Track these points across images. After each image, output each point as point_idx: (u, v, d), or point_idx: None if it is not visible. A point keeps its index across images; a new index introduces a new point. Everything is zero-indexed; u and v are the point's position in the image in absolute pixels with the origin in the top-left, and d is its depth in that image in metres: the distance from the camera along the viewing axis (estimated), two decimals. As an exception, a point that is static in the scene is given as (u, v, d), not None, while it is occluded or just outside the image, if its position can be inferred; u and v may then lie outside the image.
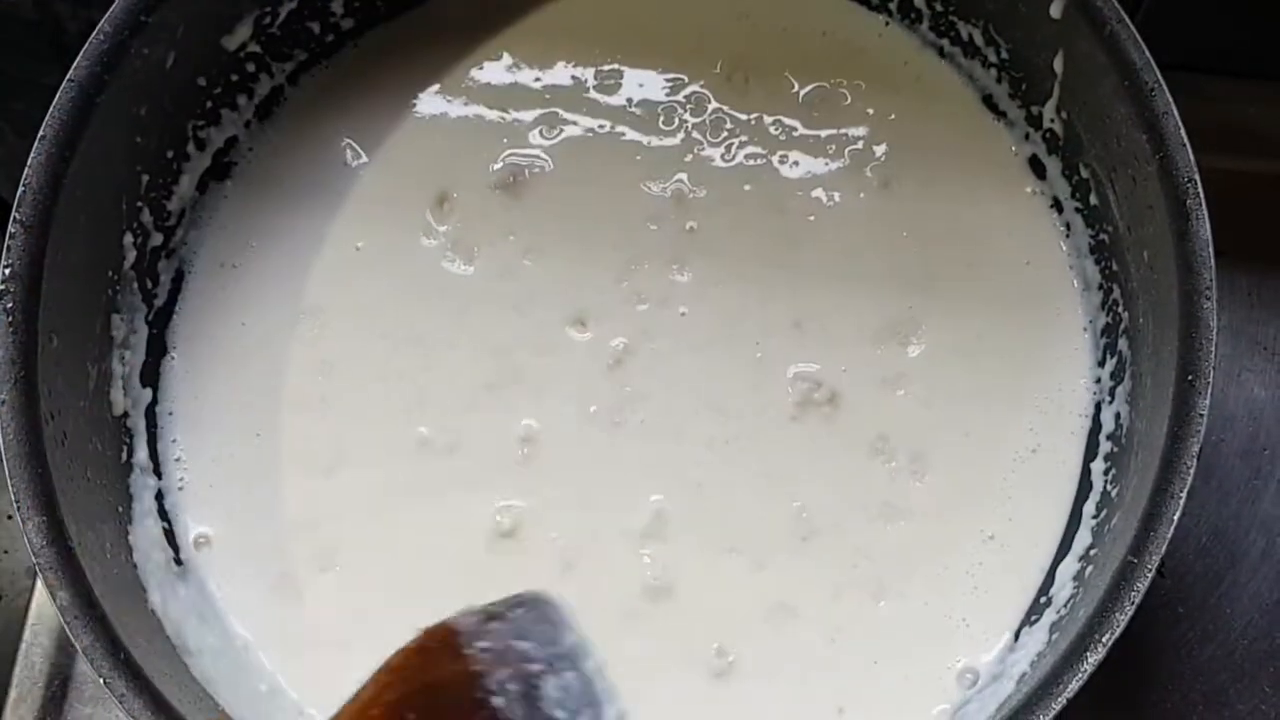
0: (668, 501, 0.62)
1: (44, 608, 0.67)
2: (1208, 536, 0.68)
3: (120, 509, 0.59)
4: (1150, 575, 0.50)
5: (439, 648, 0.51)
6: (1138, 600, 0.49)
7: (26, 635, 0.66)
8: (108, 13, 0.57)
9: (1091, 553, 0.58)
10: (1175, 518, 0.50)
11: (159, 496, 0.61)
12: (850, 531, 0.61)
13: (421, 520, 0.62)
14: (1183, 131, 0.55)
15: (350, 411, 0.63)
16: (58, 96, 0.56)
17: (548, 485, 0.62)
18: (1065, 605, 0.57)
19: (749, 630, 0.60)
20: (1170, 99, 0.55)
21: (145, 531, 0.60)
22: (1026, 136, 0.66)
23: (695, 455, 0.62)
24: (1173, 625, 0.67)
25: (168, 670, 0.54)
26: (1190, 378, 0.52)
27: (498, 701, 0.50)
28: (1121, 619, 0.49)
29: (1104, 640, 0.49)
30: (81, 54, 0.56)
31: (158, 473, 0.62)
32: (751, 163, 0.67)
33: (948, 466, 0.62)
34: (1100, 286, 0.63)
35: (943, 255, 0.65)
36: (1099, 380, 0.62)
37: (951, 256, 0.65)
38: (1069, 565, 0.59)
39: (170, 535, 0.61)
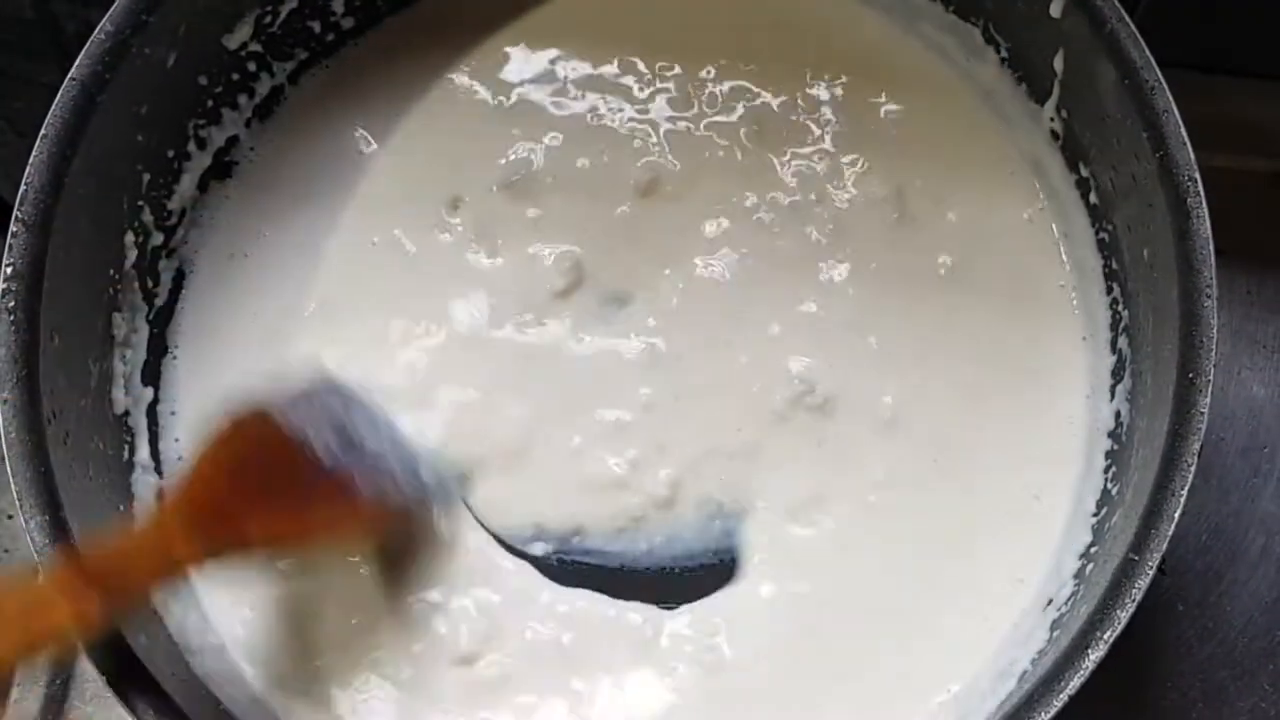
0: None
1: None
2: (1207, 534, 0.68)
3: (122, 508, 0.59)
4: (1151, 572, 0.50)
5: (252, 421, 0.56)
6: (1139, 597, 0.49)
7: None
8: (110, 11, 0.57)
9: (1092, 550, 0.58)
10: (1176, 515, 0.50)
11: (160, 495, 0.61)
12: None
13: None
14: (1183, 129, 0.55)
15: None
16: (59, 95, 0.56)
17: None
18: (1066, 603, 0.57)
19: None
20: (1170, 97, 0.55)
21: (147, 530, 0.60)
22: (1026, 135, 0.66)
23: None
24: (1172, 623, 0.67)
25: (169, 669, 0.53)
26: (1191, 375, 0.52)
27: (315, 453, 0.56)
28: (1123, 616, 0.49)
29: (1105, 638, 0.49)
30: (83, 52, 0.56)
31: (159, 471, 0.62)
32: (748, 160, 0.67)
33: (948, 465, 0.62)
34: (1101, 285, 0.63)
35: (942, 253, 0.65)
36: (1100, 378, 0.62)
37: (950, 254, 0.65)
38: (1070, 564, 0.59)
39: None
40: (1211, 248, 0.53)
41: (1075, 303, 0.64)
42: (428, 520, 0.62)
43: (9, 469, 0.52)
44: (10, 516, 0.73)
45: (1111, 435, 0.61)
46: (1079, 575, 0.58)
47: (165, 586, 0.53)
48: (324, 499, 0.56)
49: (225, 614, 0.61)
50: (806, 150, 0.67)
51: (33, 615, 0.46)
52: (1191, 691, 0.66)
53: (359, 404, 0.60)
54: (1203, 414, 0.51)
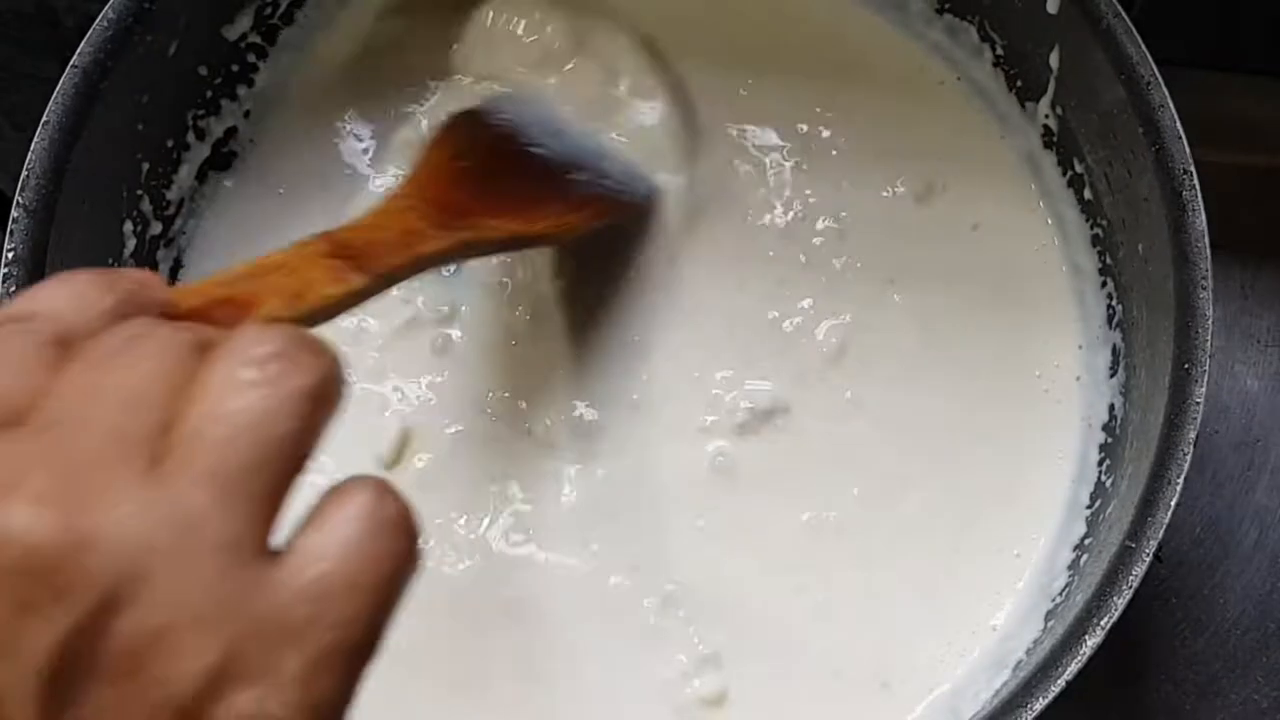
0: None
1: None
2: (1201, 527, 0.69)
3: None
4: (1147, 560, 0.50)
5: (466, 123, 0.59)
6: (1135, 585, 0.50)
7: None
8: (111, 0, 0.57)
9: (1086, 542, 0.58)
10: (1172, 503, 0.51)
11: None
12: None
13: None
14: (1178, 123, 0.55)
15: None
16: (61, 82, 0.56)
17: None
18: (1060, 594, 0.57)
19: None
20: (1165, 91, 0.56)
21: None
22: (1020, 132, 0.66)
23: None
24: (1166, 615, 0.67)
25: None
26: (1186, 366, 0.52)
27: (535, 149, 0.60)
28: (1119, 603, 0.50)
29: (1102, 624, 0.50)
30: (85, 40, 0.57)
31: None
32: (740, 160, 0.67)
33: (940, 459, 0.63)
34: (1095, 280, 0.64)
35: (936, 249, 0.65)
36: (1094, 372, 0.63)
37: (944, 251, 0.65)
38: (1064, 555, 0.59)
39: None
40: (1206, 239, 0.54)
41: (1069, 298, 0.64)
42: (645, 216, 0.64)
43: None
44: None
45: (1105, 429, 0.61)
46: (1073, 567, 0.58)
47: (409, 278, 0.50)
48: (552, 191, 0.58)
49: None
50: (794, 141, 0.67)
51: (292, 274, 0.43)
52: (1184, 684, 0.67)
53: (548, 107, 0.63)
54: (1198, 403, 0.52)
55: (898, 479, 0.62)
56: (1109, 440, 0.61)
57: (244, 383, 0.29)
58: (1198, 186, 0.54)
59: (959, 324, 0.64)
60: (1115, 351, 0.62)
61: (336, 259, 0.45)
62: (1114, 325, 0.62)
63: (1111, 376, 0.61)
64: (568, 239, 0.61)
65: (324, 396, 0.30)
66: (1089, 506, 0.60)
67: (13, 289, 0.54)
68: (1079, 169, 0.63)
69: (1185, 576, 0.68)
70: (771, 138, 0.67)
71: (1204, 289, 0.53)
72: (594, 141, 0.64)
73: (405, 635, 0.32)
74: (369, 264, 0.46)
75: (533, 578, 0.61)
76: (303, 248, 0.45)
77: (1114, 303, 0.62)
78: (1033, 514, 0.61)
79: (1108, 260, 0.62)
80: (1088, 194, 0.63)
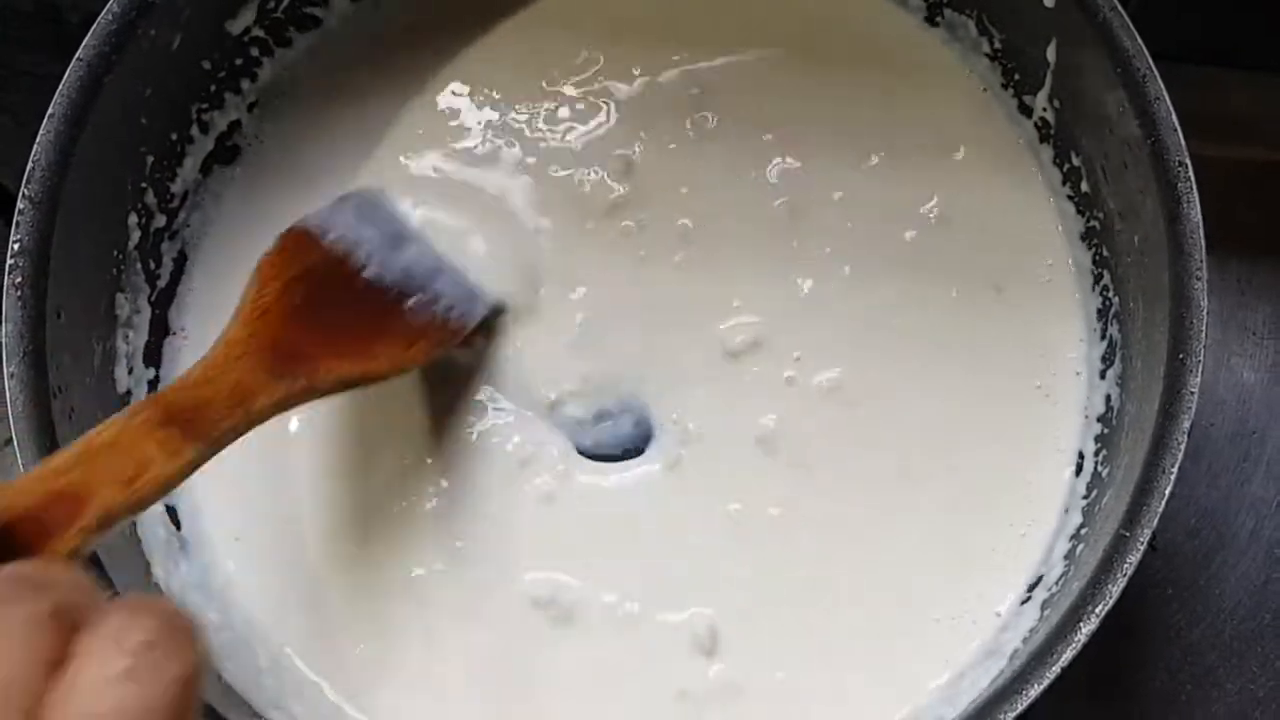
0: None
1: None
2: (1197, 518, 0.69)
3: (124, 485, 0.59)
4: (1142, 548, 0.50)
5: (297, 245, 0.57)
6: (1130, 572, 0.50)
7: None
8: (115, -6, 0.58)
9: (1082, 531, 0.59)
10: (1167, 491, 0.51)
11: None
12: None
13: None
14: (1174, 116, 0.56)
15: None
16: (66, 75, 0.57)
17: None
18: (1057, 583, 0.58)
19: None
20: (1161, 85, 0.56)
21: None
22: (1017, 126, 0.67)
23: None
24: (1162, 606, 0.68)
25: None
26: (1181, 356, 0.53)
27: (370, 272, 0.58)
28: (1114, 590, 0.50)
29: (1097, 611, 0.50)
30: (90, 33, 0.57)
31: (160, 450, 0.63)
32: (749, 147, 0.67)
33: (938, 454, 0.63)
34: (1091, 273, 0.64)
35: (932, 242, 0.66)
36: (1090, 364, 0.63)
37: (941, 244, 0.66)
38: (1060, 545, 0.60)
39: (172, 511, 0.62)
40: (1201, 231, 0.54)
41: (1066, 290, 0.65)
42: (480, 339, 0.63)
43: (15, 442, 0.52)
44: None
45: (1102, 420, 0.62)
46: (1069, 556, 0.58)
47: (244, 435, 0.50)
48: (388, 323, 0.56)
49: (225, 589, 0.61)
50: (798, 132, 0.67)
51: (124, 454, 0.43)
52: (1180, 674, 0.67)
53: (390, 206, 0.61)
54: (1193, 393, 0.52)
55: (895, 471, 0.63)
56: (1105, 431, 0.61)
57: (118, 677, 0.28)
58: (1193, 178, 0.55)
59: (957, 318, 0.65)
60: (1112, 344, 0.62)
61: (168, 427, 0.45)
62: (1111, 318, 0.62)
63: (1108, 368, 0.62)
64: (409, 370, 0.60)
65: (198, 679, 0.30)
66: (1085, 497, 0.60)
67: (19, 279, 0.54)
68: (1076, 162, 0.64)
69: (1181, 567, 0.68)
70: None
71: (1198, 279, 0.53)
72: (432, 257, 0.62)
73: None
74: (201, 429, 0.46)
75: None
76: (133, 417, 0.45)
77: (1111, 295, 0.62)
78: (1030, 506, 0.61)
79: (1104, 253, 0.63)
80: (1085, 186, 0.63)
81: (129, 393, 0.62)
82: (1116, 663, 0.67)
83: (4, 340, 0.53)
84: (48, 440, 0.53)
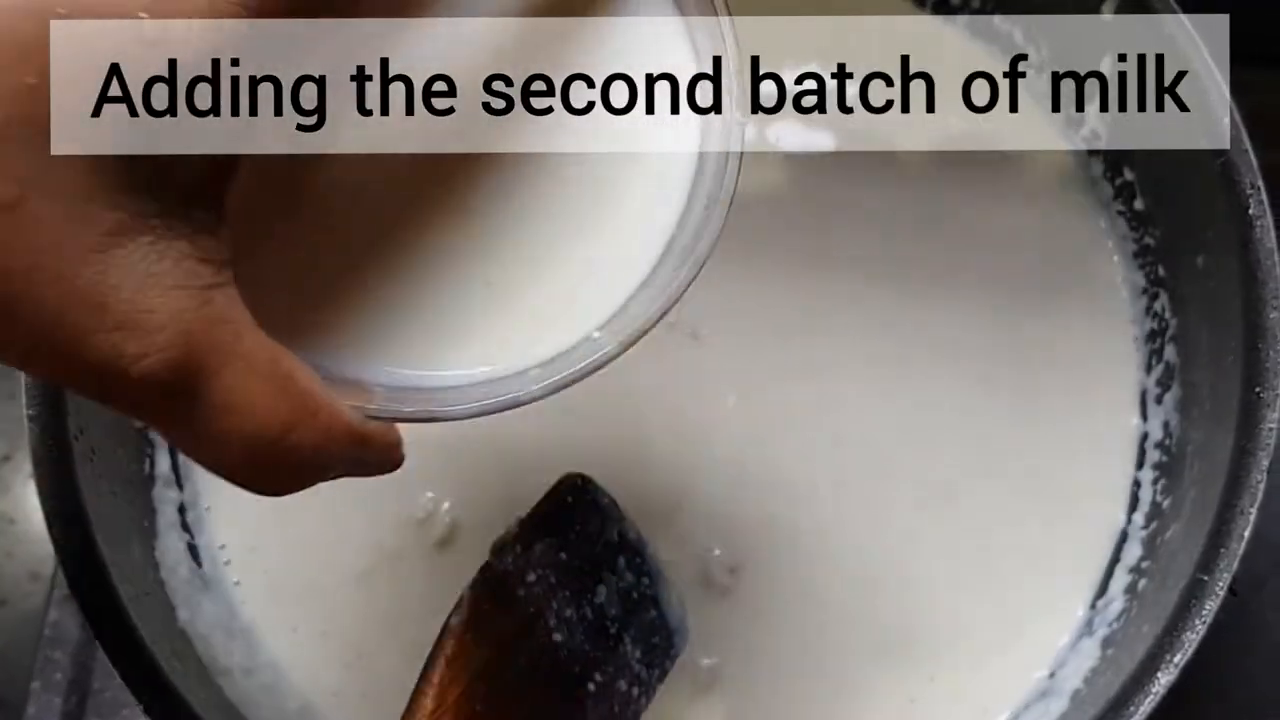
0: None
1: (60, 623, 0.65)
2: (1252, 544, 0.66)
3: (145, 523, 0.57)
4: (1221, 594, 0.48)
5: (489, 608, 0.49)
6: (1209, 619, 0.48)
7: (43, 650, 0.64)
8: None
9: (1144, 565, 0.56)
10: (1246, 534, 0.49)
11: (181, 510, 0.59)
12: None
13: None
14: (1244, 133, 0.53)
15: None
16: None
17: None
18: (1118, 618, 0.56)
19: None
20: (1229, 100, 0.54)
21: (170, 546, 0.58)
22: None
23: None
24: (1216, 635, 0.65)
25: (203, 694, 0.52)
26: (1257, 390, 0.51)
27: (558, 638, 0.50)
28: (1193, 639, 0.48)
29: (1175, 661, 0.48)
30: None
31: (179, 484, 0.60)
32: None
33: (992, 478, 0.61)
34: (1144, 291, 0.62)
35: (980, 258, 0.63)
36: (1145, 387, 0.61)
37: (989, 260, 0.63)
38: (1119, 578, 0.58)
39: (194, 549, 0.59)
40: (1276, 258, 0.52)
41: (1119, 309, 0.63)
42: None
43: (36, 486, 0.50)
44: (13, 522, 0.71)
45: (1160, 446, 0.59)
46: (1130, 591, 0.56)
47: None
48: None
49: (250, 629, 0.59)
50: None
51: None
52: (1235, 702, 0.64)
53: (609, 521, 0.54)
54: (1271, 429, 0.50)
55: (948, 495, 0.60)
56: (1164, 459, 0.59)
57: None
58: (1265, 201, 0.53)
59: (1002, 333, 0.62)
60: (1169, 366, 0.60)
61: None
62: (1168, 339, 0.60)
63: (1165, 392, 0.60)
64: None
65: None
66: (1144, 528, 0.58)
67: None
68: (1130, 177, 0.62)
69: (1259, 611, 0.65)
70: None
71: (1275, 309, 0.51)
72: (634, 572, 0.53)
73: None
74: None
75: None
76: None
77: (1167, 315, 0.60)
78: (1087, 536, 0.59)
79: (1160, 271, 0.61)
80: (1139, 204, 0.61)
81: (146, 426, 0.59)
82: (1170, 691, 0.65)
83: (24, 381, 0.50)
84: (69, 483, 0.51)
